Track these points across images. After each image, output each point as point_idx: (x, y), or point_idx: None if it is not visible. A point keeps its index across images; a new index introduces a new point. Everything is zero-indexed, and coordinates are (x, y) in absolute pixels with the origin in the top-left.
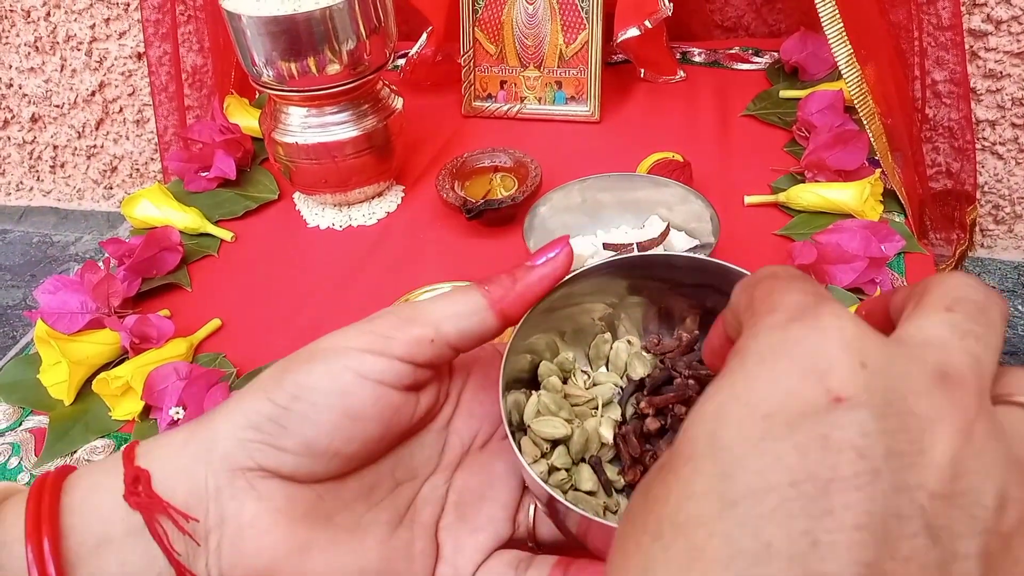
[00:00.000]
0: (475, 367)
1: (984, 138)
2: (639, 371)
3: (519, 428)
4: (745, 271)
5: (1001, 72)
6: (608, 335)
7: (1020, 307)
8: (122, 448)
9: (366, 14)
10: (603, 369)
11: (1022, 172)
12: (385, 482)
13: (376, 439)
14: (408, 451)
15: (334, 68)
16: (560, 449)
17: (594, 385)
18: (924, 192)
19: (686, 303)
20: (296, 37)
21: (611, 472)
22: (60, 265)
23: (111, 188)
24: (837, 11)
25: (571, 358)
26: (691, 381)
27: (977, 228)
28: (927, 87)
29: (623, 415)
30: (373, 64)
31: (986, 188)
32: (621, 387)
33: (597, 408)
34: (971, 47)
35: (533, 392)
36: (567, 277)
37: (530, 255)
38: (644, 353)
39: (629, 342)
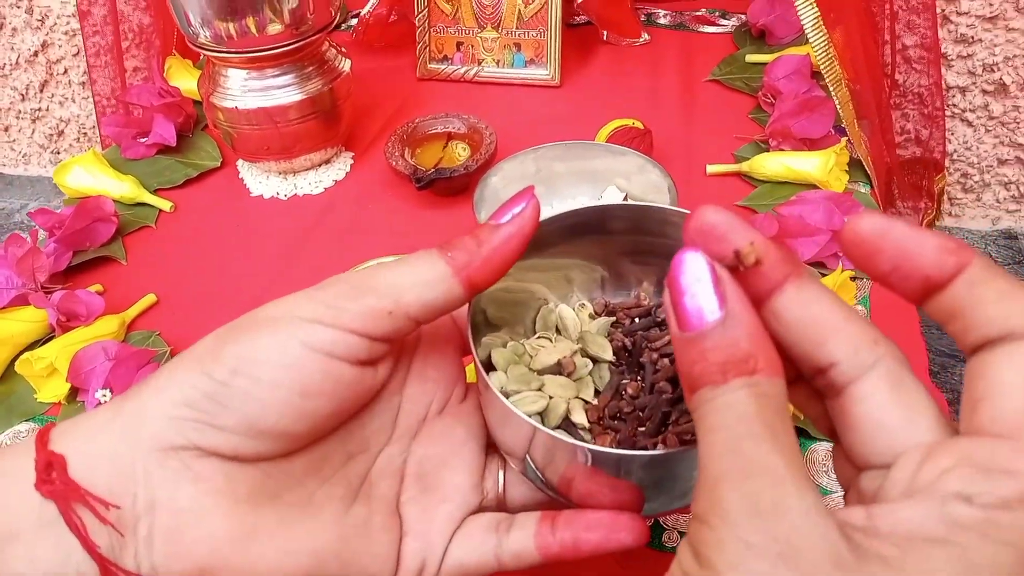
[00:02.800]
0: (424, 328)
1: (954, 105)
2: (597, 350)
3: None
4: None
5: (973, 37)
6: (552, 304)
7: None
8: (36, 431)
9: None
10: (557, 335)
11: (991, 140)
12: (335, 456)
13: (327, 416)
14: (358, 422)
15: (275, 28)
16: (533, 418)
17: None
18: (892, 160)
19: (641, 266)
20: None
21: (586, 434)
22: (4, 233)
23: (58, 153)
24: None
25: (522, 345)
26: (664, 360)
27: (946, 196)
28: (897, 52)
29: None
30: (317, 24)
31: (955, 156)
32: (580, 351)
33: (568, 375)
34: (942, 11)
35: (493, 372)
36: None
37: (493, 214)
38: (592, 319)
39: (582, 306)
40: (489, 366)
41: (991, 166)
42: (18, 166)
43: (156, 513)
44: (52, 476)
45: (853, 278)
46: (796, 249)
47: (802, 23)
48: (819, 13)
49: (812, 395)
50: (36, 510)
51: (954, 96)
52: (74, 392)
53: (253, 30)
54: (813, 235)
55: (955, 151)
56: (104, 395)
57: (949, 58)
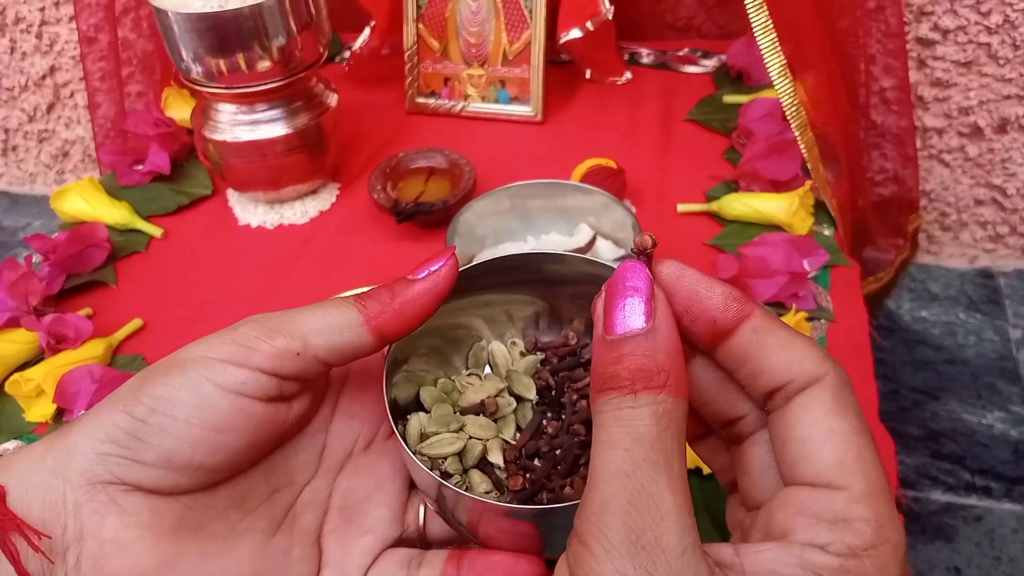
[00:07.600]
0: (353, 366)
1: (931, 146)
2: (522, 389)
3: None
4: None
5: (948, 81)
6: (484, 342)
7: (961, 315)
8: None
9: (296, 10)
10: (488, 370)
11: (968, 181)
12: (259, 489)
13: (242, 450)
14: (282, 456)
15: (264, 65)
16: (452, 457)
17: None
18: (864, 201)
19: (575, 304)
20: (223, 34)
21: (502, 473)
22: (9, 250)
23: (63, 173)
24: (770, 21)
25: (452, 382)
26: (583, 401)
27: (924, 235)
28: (875, 93)
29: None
30: (305, 61)
31: (933, 196)
32: (506, 389)
33: (491, 415)
34: (919, 55)
35: (415, 414)
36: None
37: (413, 270)
38: (522, 356)
39: (514, 343)
40: (418, 402)
41: (968, 206)
42: (25, 185)
43: (84, 543)
44: None
45: (809, 319)
46: (756, 290)
47: (768, 70)
48: (785, 61)
49: (720, 448)
50: None
51: (931, 137)
52: (60, 413)
53: (243, 67)
54: (772, 276)
55: (933, 191)
56: None
57: (926, 100)
